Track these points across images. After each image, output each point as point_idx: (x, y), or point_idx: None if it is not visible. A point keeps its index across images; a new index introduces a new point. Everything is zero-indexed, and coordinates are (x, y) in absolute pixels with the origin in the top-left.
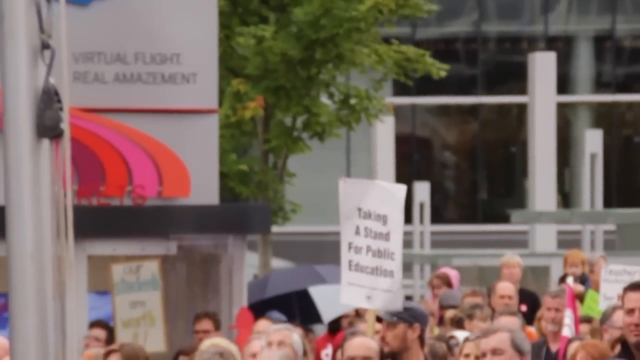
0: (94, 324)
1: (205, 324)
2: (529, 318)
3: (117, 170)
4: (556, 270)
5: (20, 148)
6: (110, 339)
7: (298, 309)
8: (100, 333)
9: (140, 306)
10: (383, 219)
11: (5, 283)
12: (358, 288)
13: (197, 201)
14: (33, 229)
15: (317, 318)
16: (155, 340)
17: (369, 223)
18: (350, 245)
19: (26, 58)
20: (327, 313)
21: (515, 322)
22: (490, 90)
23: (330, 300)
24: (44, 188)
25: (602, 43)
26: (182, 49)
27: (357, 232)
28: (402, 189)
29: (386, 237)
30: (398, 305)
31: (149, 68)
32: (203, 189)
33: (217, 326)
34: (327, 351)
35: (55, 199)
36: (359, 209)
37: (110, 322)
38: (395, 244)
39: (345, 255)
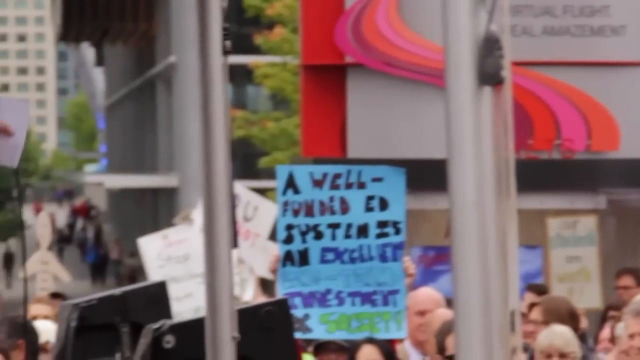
0: (529, 288)
1: (626, 280)
2: None
3: (545, 123)
4: None
5: (462, 97)
6: None
7: None
8: (532, 298)
9: (576, 261)
10: None
11: (435, 237)
12: None
13: (627, 155)
14: (475, 179)
15: None
16: (590, 297)
17: None
18: None
19: (468, 4)
20: None
21: None
22: None
23: None
24: (485, 138)
25: None
26: (611, 1)
27: None
28: None
29: None
30: None
31: (578, 21)
32: (633, 142)
33: None
34: None
35: (496, 148)
36: None
37: (537, 278)
38: None
39: None
